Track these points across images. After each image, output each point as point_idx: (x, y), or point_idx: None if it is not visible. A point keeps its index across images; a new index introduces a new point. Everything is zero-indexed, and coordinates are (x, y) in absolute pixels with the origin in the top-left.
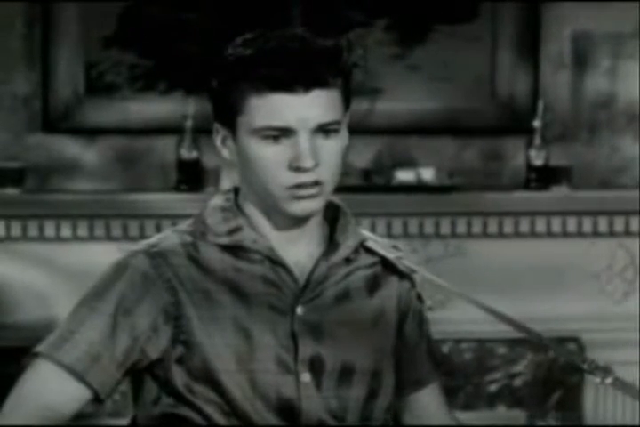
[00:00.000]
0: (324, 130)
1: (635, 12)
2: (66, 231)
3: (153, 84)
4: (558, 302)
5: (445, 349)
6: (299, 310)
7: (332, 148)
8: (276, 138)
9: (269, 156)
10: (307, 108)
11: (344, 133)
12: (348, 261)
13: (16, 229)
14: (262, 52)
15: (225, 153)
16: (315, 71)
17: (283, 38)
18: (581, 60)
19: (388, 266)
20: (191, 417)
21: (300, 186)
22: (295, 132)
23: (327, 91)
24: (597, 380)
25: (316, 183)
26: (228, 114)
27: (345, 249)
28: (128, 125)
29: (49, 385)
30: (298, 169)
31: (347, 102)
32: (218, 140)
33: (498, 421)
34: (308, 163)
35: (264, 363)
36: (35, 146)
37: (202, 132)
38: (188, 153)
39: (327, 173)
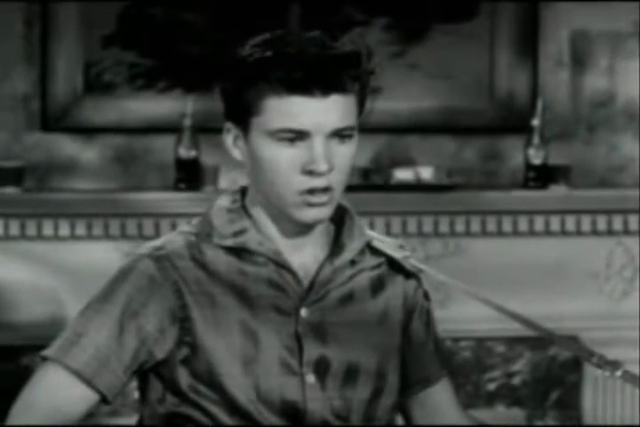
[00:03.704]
0: (340, 135)
1: (633, 11)
2: (64, 230)
3: (152, 83)
4: (557, 300)
5: (450, 349)
6: (303, 312)
7: (346, 153)
8: (290, 140)
9: (284, 158)
10: (324, 112)
11: (356, 139)
12: (352, 263)
13: (14, 227)
14: (283, 55)
15: (236, 153)
16: (334, 76)
17: (303, 41)
18: (580, 59)
19: (394, 266)
20: (196, 417)
21: (311, 191)
22: (311, 136)
23: (345, 96)
24: (607, 374)
25: (328, 189)
26: (241, 114)
27: (350, 252)
28: (127, 124)
29: (57, 390)
30: (311, 173)
31: (361, 108)
32: (229, 140)
33: (497, 420)
34: (322, 167)
35: (269, 365)
36: (33, 145)
37: (200, 130)
38: (186, 152)
39: (338, 178)
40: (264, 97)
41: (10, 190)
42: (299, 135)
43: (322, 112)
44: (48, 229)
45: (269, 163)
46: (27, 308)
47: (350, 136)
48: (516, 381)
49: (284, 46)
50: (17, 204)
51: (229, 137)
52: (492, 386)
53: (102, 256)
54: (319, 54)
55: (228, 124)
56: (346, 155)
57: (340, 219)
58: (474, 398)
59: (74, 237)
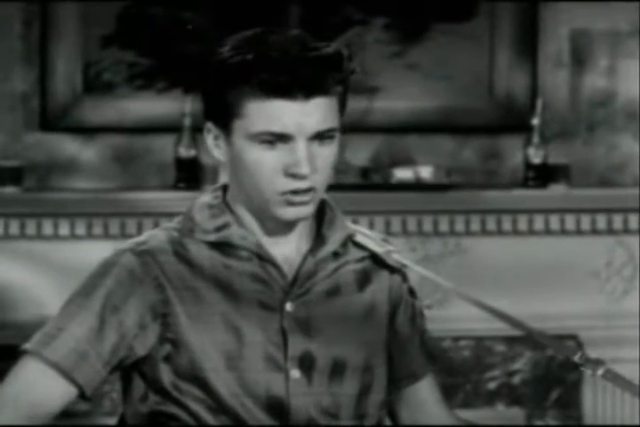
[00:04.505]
0: (321, 137)
1: (633, 11)
2: (64, 230)
3: (151, 83)
4: (557, 299)
5: (444, 347)
6: (288, 306)
7: (328, 154)
8: (272, 143)
9: (265, 161)
10: (306, 115)
11: (337, 139)
12: (336, 255)
13: (14, 227)
14: (264, 57)
15: (216, 153)
16: (317, 79)
17: (284, 42)
18: (580, 59)
19: (378, 260)
20: (178, 415)
21: (294, 192)
22: (293, 139)
23: (327, 98)
24: (589, 372)
25: (310, 189)
26: (223, 116)
27: (332, 244)
28: (126, 124)
29: (36, 383)
30: (294, 175)
31: (343, 108)
32: (209, 140)
33: (496, 419)
34: (304, 170)
35: (253, 360)
36: (33, 144)
37: (200, 130)
38: (186, 151)
39: (321, 179)
40: (245, 100)
41: (9, 190)
42: (280, 138)
43: (304, 115)
44: (48, 228)
45: (252, 165)
46: (26, 307)
47: (331, 138)
48: (516, 380)
49: (266, 48)
50: (17, 203)
51: (210, 137)
52: (491, 385)
53: (102, 256)
54: (301, 57)
55: (209, 125)
56: (328, 156)
57: (320, 211)
58: (474, 398)
59: (74, 236)
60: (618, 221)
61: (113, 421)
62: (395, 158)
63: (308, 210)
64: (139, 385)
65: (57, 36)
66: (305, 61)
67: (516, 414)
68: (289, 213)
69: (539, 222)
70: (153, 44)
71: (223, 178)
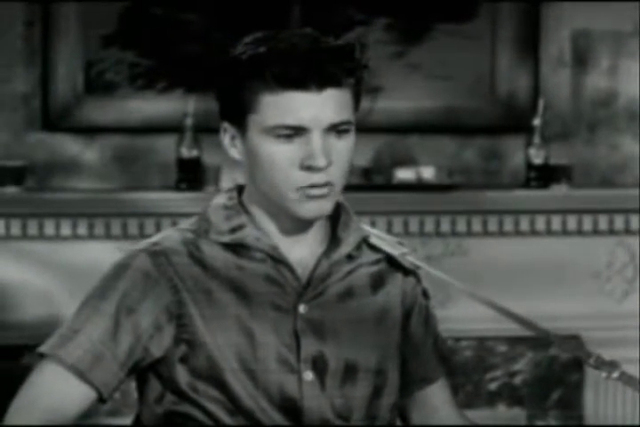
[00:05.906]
0: (337, 130)
1: (634, 11)
2: (65, 230)
3: (153, 83)
4: (558, 300)
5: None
6: (301, 308)
7: (344, 148)
8: (288, 137)
9: (281, 154)
10: (320, 106)
11: (353, 134)
12: (350, 258)
13: (16, 227)
14: (276, 51)
15: (233, 152)
16: (328, 70)
17: (295, 37)
18: (581, 59)
19: (393, 262)
20: (194, 415)
21: (311, 186)
22: (308, 131)
23: (340, 90)
24: (604, 375)
25: (327, 184)
26: (238, 112)
27: (346, 246)
28: (128, 124)
29: (54, 387)
30: (310, 168)
31: (357, 103)
32: (225, 140)
33: (498, 419)
34: (321, 162)
35: (266, 362)
36: (35, 144)
37: (202, 130)
38: (188, 151)
39: (338, 173)
40: (259, 94)
41: (11, 190)
42: (296, 131)
43: (318, 106)
44: (49, 228)
45: (268, 160)
46: (27, 307)
47: (347, 131)
48: (518, 380)
49: (277, 43)
50: (18, 203)
51: (226, 137)
52: (493, 386)
53: (103, 256)
54: (312, 48)
55: (225, 124)
56: (344, 150)
57: (335, 213)
58: (475, 398)
59: (75, 236)
60: (619, 222)
61: (115, 421)
62: (396, 159)
63: (327, 206)
64: (154, 386)
65: (58, 36)
66: (316, 53)
67: (518, 414)
68: (308, 209)
69: (540, 223)
70: (154, 44)
71: (225, 178)
